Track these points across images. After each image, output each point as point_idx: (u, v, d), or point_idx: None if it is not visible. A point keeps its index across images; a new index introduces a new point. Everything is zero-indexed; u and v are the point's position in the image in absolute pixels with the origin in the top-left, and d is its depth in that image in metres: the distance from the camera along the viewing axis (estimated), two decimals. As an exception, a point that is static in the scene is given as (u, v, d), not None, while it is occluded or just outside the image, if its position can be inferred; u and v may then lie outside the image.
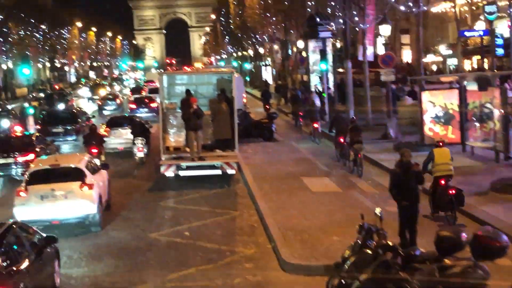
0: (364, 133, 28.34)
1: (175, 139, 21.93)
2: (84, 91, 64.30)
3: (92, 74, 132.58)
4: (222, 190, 20.29)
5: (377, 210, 10.59)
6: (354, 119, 24.03)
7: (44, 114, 33.89)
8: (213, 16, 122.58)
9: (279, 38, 58.51)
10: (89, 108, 48.48)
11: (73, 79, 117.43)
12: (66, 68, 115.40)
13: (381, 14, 30.31)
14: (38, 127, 30.79)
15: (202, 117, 20.62)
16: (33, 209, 15.34)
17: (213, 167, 20.92)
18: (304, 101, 35.40)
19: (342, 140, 22.56)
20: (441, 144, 15.36)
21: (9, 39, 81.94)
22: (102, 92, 60.09)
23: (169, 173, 20.95)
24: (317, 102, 33.46)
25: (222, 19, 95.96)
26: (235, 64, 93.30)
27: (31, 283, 10.12)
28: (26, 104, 36.81)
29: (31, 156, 21.71)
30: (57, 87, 66.48)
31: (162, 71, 60.17)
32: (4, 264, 9.66)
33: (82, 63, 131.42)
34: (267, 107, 42.59)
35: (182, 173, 20.99)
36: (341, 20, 33.05)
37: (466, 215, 15.47)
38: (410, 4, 25.70)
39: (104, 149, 24.64)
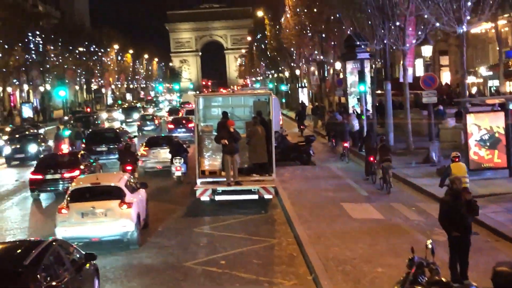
0: (404, 157, 27.94)
1: (210, 162, 21.37)
2: (118, 114, 63.79)
3: (128, 96, 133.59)
4: (259, 216, 19.62)
5: (428, 242, 9.85)
6: (384, 138, 24.21)
7: (89, 134, 35.59)
8: (249, 38, 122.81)
9: (315, 59, 57.93)
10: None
11: (109, 101, 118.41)
12: (103, 90, 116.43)
13: (421, 34, 29.51)
14: (83, 145, 32.20)
15: (238, 141, 20.07)
16: (74, 226, 15.76)
17: (249, 191, 20.24)
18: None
19: (371, 158, 23.32)
20: (457, 159, 16.64)
21: (47, 61, 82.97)
22: (136, 115, 59.30)
23: (205, 197, 20.35)
24: (356, 124, 32.76)
25: (258, 40, 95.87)
26: (271, 85, 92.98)
27: None
28: (60, 127, 36.86)
29: (76, 173, 23.28)
30: (88, 110, 65.71)
31: (198, 92, 60.61)
32: (44, 281, 9.66)
33: (119, 85, 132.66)
34: (302, 127, 42.84)
35: (217, 197, 20.37)
36: (380, 41, 32.27)
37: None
38: (451, 24, 24.81)
39: (137, 167, 25.63)
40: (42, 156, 29.26)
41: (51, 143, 37.56)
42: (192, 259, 15.34)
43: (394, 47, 32.41)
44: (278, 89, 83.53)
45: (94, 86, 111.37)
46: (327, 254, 14.39)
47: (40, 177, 23.68)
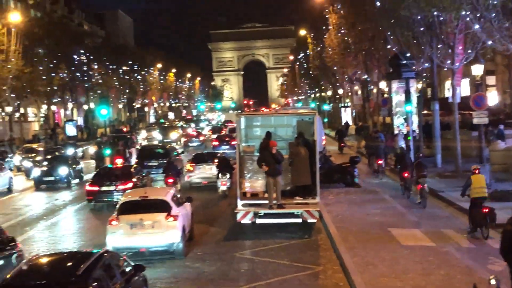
0: (453, 180, 26.93)
1: (252, 184, 20.65)
2: (157, 134, 62.12)
3: (171, 115, 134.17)
4: (302, 241, 18.80)
5: (492, 278, 8.97)
6: (420, 155, 25.03)
7: (140, 149, 38.23)
8: (291, 57, 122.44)
9: (359, 78, 57.08)
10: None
11: (152, 119, 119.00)
12: (146, 108, 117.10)
13: (471, 53, 28.51)
14: (135, 160, 34.67)
15: (281, 162, 19.34)
16: (123, 237, 16.67)
17: (292, 215, 19.49)
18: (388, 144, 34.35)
19: (406, 174, 24.46)
20: (477, 171, 18.09)
21: (91, 79, 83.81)
22: (174, 135, 57.62)
23: (246, 220, 19.63)
24: (402, 145, 31.81)
25: (301, 59, 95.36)
26: (313, 105, 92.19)
27: None
28: (101, 146, 36.69)
29: (129, 185, 24.96)
30: (124, 129, 63.39)
31: (240, 111, 60.70)
32: None
33: (161, 104, 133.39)
34: (342, 145, 42.90)
35: (259, 220, 19.62)
36: (428, 59, 31.33)
37: None
38: (504, 42, 23.79)
39: (180, 180, 28.00)
40: (99, 169, 30.91)
41: (82, 164, 37.06)
42: (232, 286, 14.63)
43: (442, 66, 31.46)
44: (321, 108, 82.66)
45: (137, 105, 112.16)
46: (376, 284, 13.52)
47: (96, 188, 25.56)
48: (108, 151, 34.75)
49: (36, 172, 34.15)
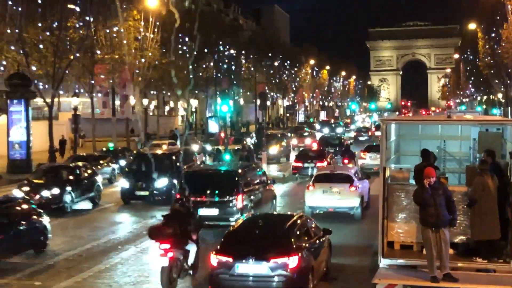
0: None
1: (404, 229, 12.98)
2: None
3: (322, 115, 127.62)
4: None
5: None
6: None
7: (320, 138, 50.50)
8: (456, 56, 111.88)
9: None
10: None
11: (301, 118, 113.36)
12: (296, 106, 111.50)
13: None
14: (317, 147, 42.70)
15: (450, 203, 11.75)
16: (317, 198, 21.67)
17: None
18: None
19: None
20: None
21: (239, 74, 79.58)
22: (273, 149, 43.48)
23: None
24: None
25: (467, 58, 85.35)
26: (479, 108, 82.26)
27: (312, 260, 13.15)
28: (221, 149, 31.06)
29: (324, 163, 31.76)
30: (222, 134, 47.82)
31: (397, 114, 53.05)
32: (297, 240, 13.08)
33: (313, 102, 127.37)
34: None
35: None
36: None
37: None
38: None
39: (354, 162, 34.21)
40: (300, 150, 39.79)
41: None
42: None
43: None
44: (488, 113, 72.71)
45: (286, 102, 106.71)
46: None
47: (300, 164, 33.38)
48: (227, 157, 29.83)
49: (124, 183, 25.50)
